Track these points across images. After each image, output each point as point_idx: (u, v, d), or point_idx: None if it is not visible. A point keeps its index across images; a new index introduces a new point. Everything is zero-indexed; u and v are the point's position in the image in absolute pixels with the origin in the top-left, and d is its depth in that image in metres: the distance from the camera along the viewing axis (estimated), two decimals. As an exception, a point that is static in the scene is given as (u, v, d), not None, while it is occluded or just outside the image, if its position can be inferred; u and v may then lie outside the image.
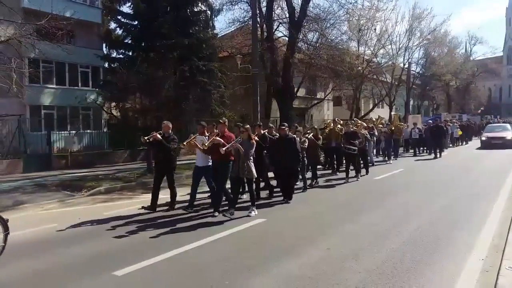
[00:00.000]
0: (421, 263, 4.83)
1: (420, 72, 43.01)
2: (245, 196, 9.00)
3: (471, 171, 13.53)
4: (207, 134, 8.26)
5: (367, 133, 13.67)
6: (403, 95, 39.70)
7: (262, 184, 9.68)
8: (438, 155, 18.66)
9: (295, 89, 23.31)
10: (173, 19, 15.47)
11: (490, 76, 65.45)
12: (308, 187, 10.67)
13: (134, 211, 8.22)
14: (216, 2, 22.00)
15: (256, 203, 8.02)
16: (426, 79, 43.41)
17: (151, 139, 7.87)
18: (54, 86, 22.01)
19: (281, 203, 8.82)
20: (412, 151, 20.96)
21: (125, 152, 20.86)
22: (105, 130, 22.81)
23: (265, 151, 9.34)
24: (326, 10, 22.01)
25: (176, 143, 8.28)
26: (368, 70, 29.67)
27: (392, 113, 28.18)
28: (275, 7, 22.00)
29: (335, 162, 14.00)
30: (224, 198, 8.09)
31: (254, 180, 8.15)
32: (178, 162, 9.88)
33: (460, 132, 26.43)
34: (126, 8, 18.80)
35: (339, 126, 13.36)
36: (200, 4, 18.51)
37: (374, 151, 17.55)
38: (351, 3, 22.14)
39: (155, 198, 8.27)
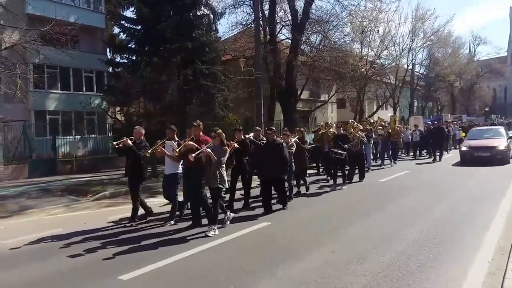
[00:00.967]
0: (426, 266, 4.81)
1: (424, 73, 42.95)
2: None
3: (475, 173, 13.43)
4: (176, 139, 7.72)
5: (363, 135, 12.62)
6: (407, 97, 39.59)
7: (238, 194, 8.89)
8: (438, 158, 17.86)
9: (299, 92, 23.35)
10: (176, 23, 15.52)
11: (495, 76, 65.32)
12: (294, 196, 9.71)
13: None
14: (219, 6, 22.21)
15: (230, 217, 7.23)
16: (430, 80, 43.30)
17: (120, 145, 7.42)
18: (59, 91, 22.18)
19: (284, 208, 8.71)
20: (412, 154, 20.09)
21: (129, 157, 20.84)
22: (109, 135, 22.87)
23: (246, 158, 8.67)
24: (328, 12, 22.22)
25: (147, 151, 7.57)
26: (372, 71, 29.62)
27: (389, 115, 27.33)
28: (278, 10, 22.19)
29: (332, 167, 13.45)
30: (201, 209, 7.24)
31: (224, 190, 7.19)
32: (159, 169, 9.40)
33: (463, 134, 25.76)
34: (129, 13, 19.03)
35: (331, 130, 12.61)
36: (203, 8, 18.56)
37: (371, 155, 16.32)
38: (353, 5, 22.34)
39: (143, 207, 7.90)
